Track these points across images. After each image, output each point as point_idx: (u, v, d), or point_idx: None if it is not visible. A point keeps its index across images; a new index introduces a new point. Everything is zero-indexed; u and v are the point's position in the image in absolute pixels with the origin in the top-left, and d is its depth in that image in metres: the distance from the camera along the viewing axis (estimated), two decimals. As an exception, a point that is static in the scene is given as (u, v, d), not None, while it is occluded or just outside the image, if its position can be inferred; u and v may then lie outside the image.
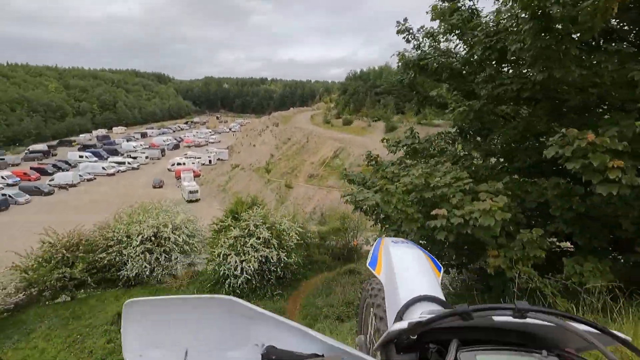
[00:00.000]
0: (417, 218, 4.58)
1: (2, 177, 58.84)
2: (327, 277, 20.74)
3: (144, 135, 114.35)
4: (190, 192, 52.12)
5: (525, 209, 4.81)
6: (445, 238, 4.24)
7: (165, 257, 20.32)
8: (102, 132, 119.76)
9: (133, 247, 19.36)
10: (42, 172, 65.13)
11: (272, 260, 17.93)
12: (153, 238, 19.96)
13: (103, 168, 67.31)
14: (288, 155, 62.00)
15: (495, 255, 4.12)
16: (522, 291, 3.97)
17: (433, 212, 4.30)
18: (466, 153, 7.51)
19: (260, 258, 17.74)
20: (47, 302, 18.22)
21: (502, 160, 6.83)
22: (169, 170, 69.52)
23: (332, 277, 20.44)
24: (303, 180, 52.92)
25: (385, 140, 9.69)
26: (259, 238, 18.08)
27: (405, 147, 7.99)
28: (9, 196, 49.36)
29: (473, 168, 6.53)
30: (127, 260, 19.45)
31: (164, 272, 20.30)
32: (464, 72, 6.93)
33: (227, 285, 17.52)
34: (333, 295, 17.03)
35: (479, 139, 7.05)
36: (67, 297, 18.57)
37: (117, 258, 19.64)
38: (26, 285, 17.84)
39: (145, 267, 19.57)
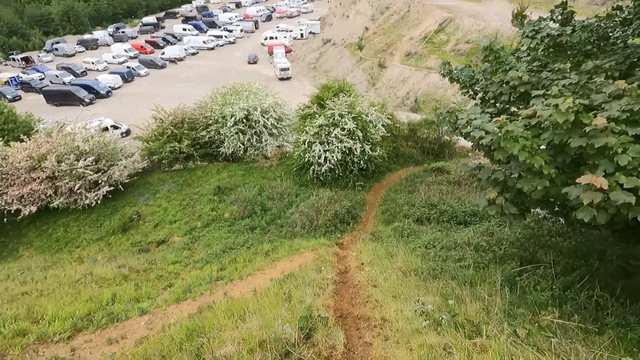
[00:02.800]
0: (549, 174, 3.04)
1: (125, 50, 65.89)
2: (413, 172, 19.83)
3: (238, 5, 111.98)
4: (282, 69, 51.69)
5: None
6: (591, 220, 2.76)
7: (256, 138, 21.44)
8: (200, 1, 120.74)
9: (228, 128, 20.64)
10: (155, 45, 70.64)
11: (355, 153, 17.45)
12: (245, 120, 20.81)
13: (204, 42, 70.00)
14: (384, 28, 54.77)
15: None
16: None
17: (580, 180, 2.72)
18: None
19: (343, 149, 17.36)
20: (166, 169, 21.55)
21: None
22: (262, 44, 69.12)
23: (418, 173, 19.45)
24: (399, 59, 47.46)
25: (517, 20, 6.88)
26: (343, 129, 17.35)
27: (547, 40, 5.48)
28: (133, 69, 55.90)
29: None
30: (224, 139, 21.15)
31: (256, 152, 21.77)
32: None
33: (311, 172, 18.02)
34: (416, 193, 16.36)
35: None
36: (180, 166, 21.61)
37: (216, 136, 21.44)
38: (148, 154, 21.05)
39: (240, 146, 21.10)
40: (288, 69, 52.10)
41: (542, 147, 3.16)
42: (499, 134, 3.18)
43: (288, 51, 63.69)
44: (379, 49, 50.43)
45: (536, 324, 3.07)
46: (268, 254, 10.75)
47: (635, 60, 4.52)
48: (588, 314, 3.65)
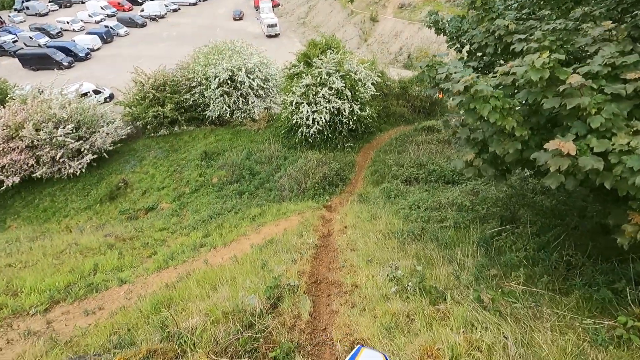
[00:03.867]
0: (521, 136, 2.83)
1: (102, 8, 61.75)
2: (403, 132, 19.52)
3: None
4: (269, 25, 49.03)
5: None
6: (560, 186, 2.60)
7: (242, 100, 20.73)
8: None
9: (212, 90, 19.88)
10: (133, 1, 66.33)
11: (344, 113, 16.99)
12: (229, 81, 19.99)
13: (185, -4, 65.98)
14: (377, -23, 51.39)
15: (640, 220, 2.46)
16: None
17: (548, 146, 2.51)
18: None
19: (332, 109, 16.87)
20: (151, 135, 20.97)
21: None
22: (248, -2, 65.36)
23: (408, 132, 19.16)
24: (392, 12, 45.11)
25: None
26: (331, 88, 16.74)
27: (533, -16, 5.02)
28: (111, 28, 52.72)
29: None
30: (209, 102, 20.45)
31: (243, 115, 21.15)
32: None
33: (299, 134, 17.67)
34: (405, 154, 16.21)
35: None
36: (166, 131, 21.04)
37: (200, 99, 20.69)
38: (131, 119, 20.37)
39: (226, 109, 20.46)
40: (276, 25, 49.45)
41: (517, 106, 2.93)
42: (468, 94, 2.93)
43: (275, 5, 60.26)
44: (371, 0, 47.73)
45: (500, 290, 3.05)
46: (255, 218, 10.74)
47: (628, 5, 4.16)
48: (558, 274, 3.64)
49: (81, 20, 56.46)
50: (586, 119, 2.53)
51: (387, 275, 3.85)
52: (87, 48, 45.36)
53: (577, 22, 4.14)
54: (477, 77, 3.04)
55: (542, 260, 4.00)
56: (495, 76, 3.44)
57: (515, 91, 3.10)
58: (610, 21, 3.45)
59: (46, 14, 63.01)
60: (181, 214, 14.17)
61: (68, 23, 54.42)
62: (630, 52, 2.90)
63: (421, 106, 21.73)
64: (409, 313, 2.97)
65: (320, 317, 3.41)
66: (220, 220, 11.10)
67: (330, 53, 17.74)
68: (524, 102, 3.01)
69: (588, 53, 3.04)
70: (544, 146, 2.55)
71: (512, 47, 4.01)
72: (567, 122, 2.68)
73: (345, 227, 7.79)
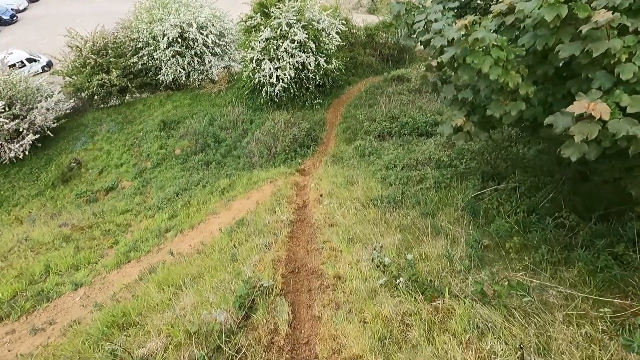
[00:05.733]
0: (528, 94, 2.28)
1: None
2: (372, 83, 18.68)
3: None
4: (220, -29, 44.45)
5: None
6: (582, 157, 2.10)
7: (198, 60, 18.87)
8: None
9: (162, 51, 17.89)
10: (57, -51, 57.54)
11: (309, 67, 15.84)
12: (180, 40, 17.98)
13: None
14: None
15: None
16: None
17: (572, 108, 1.97)
18: None
19: (296, 64, 15.65)
20: (100, 107, 19.00)
21: None
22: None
23: (378, 84, 18.35)
24: (352, -50, 41.60)
25: None
26: (293, 41, 15.39)
27: None
28: (35, -17, 45.91)
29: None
30: (161, 65, 18.51)
31: (200, 77, 19.41)
32: None
33: (264, 94, 16.49)
34: (376, 107, 15.58)
35: None
36: (116, 101, 19.08)
37: (150, 62, 18.67)
38: (74, 91, 18.22)
39: (180, 71, 18.62)
40: (226, -30, 44.66)
41: (521, 56, 2.35)
42: (465, 45, 2.31)
43: (223, -53, 54.09)
44: (329, -63, 43.63)
45: (507, 282, 2.69)
46: (224, 191, 10.06)
47: None
48: (556, 241, 3.36)
49: (-3, -24, 48.60)
50: (613, 68, 1.99)
51: (372, 259, 3.44)
52: (11, 9, 39.58)
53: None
54: (474, 20, 2.39)
55: (534, 224, 3.70)
56: (488, 18, 2.80)
57: (517, 35, 2.50)
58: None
59: (-48, -30, 53.72)
60: (145, 192, 13.20)
61: (-19, -21, 46.77)
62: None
63: (389, 54, 20.73)
64: (403, 315, 2.59)
65: (301, 326, 2.98)
66: (187, 197, 10.33)
67: (289, 0, 16.09)
68: (527, 48, 2.42)
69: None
70: (567, 109, 2.01)
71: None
72: (588, 73, 2.14)
73: (321, 196, 7.31)
